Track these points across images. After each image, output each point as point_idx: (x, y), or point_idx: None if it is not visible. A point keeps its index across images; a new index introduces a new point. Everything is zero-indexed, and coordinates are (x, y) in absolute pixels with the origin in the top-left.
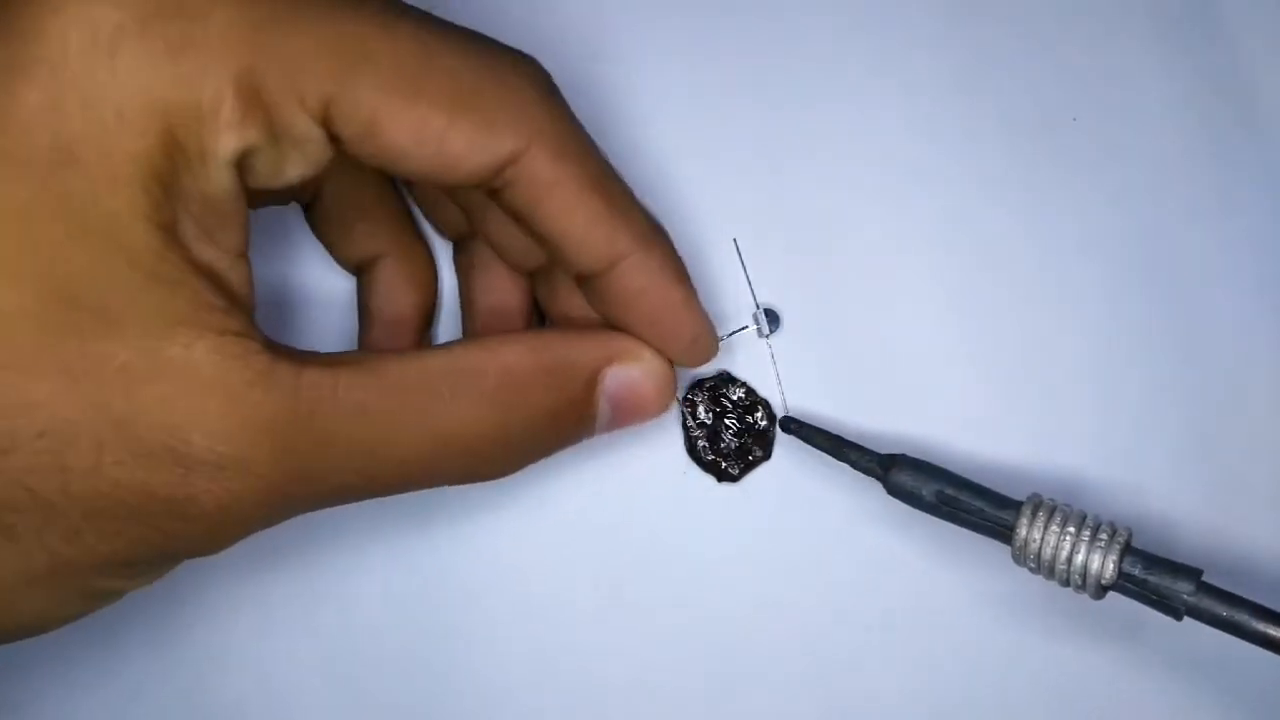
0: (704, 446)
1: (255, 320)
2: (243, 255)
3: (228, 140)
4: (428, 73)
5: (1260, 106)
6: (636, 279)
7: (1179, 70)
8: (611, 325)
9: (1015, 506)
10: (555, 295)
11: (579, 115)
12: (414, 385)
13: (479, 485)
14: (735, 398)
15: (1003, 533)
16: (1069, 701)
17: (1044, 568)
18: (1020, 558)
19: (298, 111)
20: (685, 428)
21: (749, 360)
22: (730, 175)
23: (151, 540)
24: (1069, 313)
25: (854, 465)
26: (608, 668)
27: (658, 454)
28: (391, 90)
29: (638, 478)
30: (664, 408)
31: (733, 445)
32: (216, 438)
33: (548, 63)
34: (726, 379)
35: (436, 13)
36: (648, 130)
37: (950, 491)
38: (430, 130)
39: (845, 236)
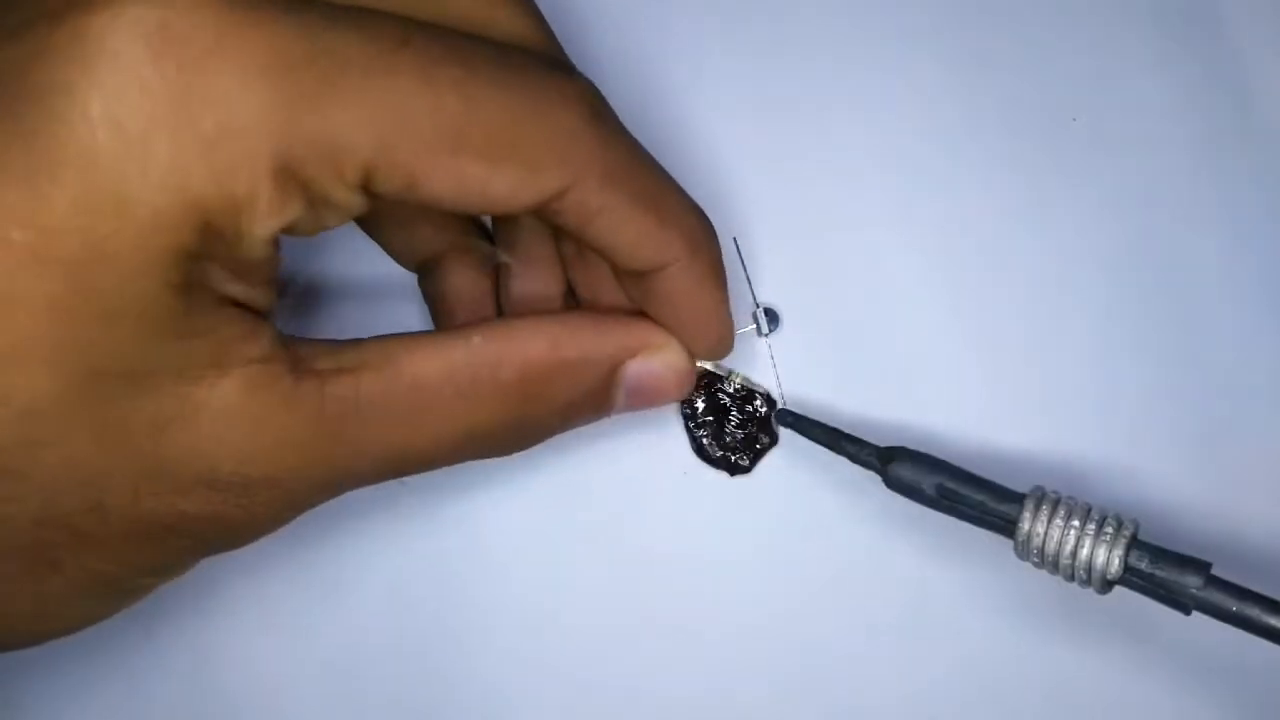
0: (711, 444)
1: (276, 330)
2: (270, 281)
3: (265, 224)
4: (468, 125)
5: (1260, 106)
6: (681, 283)
7: (1179, 70)
8: (639, 310)
9: (1018, 499)
10: (583, 275)
11: None
12: (434, 383)
13: (481, 481)
14: (731, 390)
15: (1005, 526)
16: (1075, 702)
17: (1048, 562)
18: (1023, 552)
19: (335, 183)
20: (688, 429)
21: (749, 359)
22: (731, 174)
23: (184, 548)
24: (1069, 311)
25: (852, 459)
26: (608, 669)
27: (657, 454)
28: (431, 149)
29: (637, 478)
30: (682, 396)
31: (738, 437)
32: (243, 463)
33: None
34: (724, 374)
35: None
36: (648, 129)
37: (951, 485)
38: (471, 181)
39: (845, 236)
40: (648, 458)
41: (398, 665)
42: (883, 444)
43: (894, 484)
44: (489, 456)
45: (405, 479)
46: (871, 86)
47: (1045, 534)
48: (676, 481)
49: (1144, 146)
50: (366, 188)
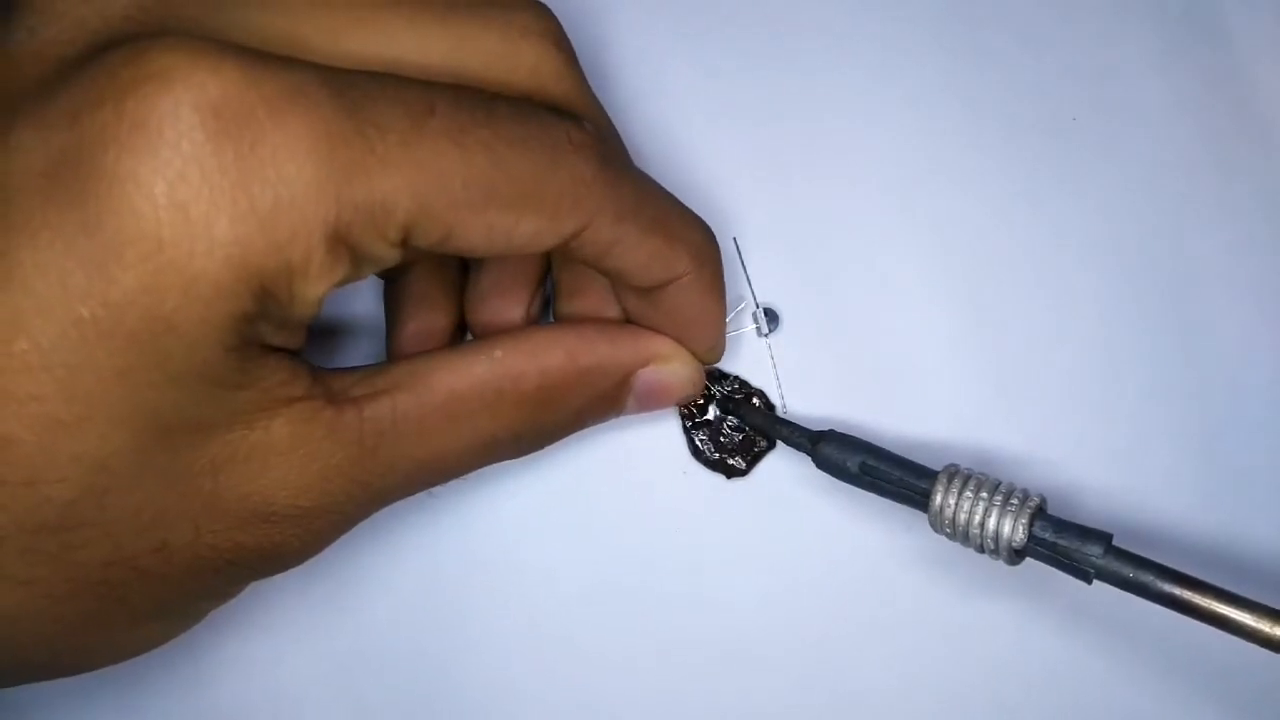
0: (708, 447)
1: (311, 365)
2: (308, 326)
3: (316, 287)
4: (495, 181)
5: (1260, 107)
6: (687, 295)
7: (1179, 70)
8: (638, 320)
9: (933, 475)
10: (569, 287)
11: None
12: (462, 398)
13: (480, 481)
14: (729, 392)
15: (921, 500)
16: (1085, 709)
17: (959, 534)
18: (937, 524)
19: (379, 242)
20: (685, 430)
21: (748, 359)
22: (731, 174)
23: (241, 575)
24: (1068, 312)
25: (785, 441)
26: (607, 667)
27: (656, 455)
28: (463, 205)
29: (636, 479)
30: (690, 399)
31: (735, 439)
32: (297, 494)
33: None
34: (718, 376)
35: None
36: (649, 130)
37: (872, 463)
38: (499, 230)
39: (845, 236)
40: (646, 458)
41: (397, 666)
42: (882, 442)
43: (822, 463)
44: (507, 459)
45: (433, 490)
46: (871, 87)
47: (956, 506)
48: (675, 482)
49: (1144, 146)
50: (405, 242)
